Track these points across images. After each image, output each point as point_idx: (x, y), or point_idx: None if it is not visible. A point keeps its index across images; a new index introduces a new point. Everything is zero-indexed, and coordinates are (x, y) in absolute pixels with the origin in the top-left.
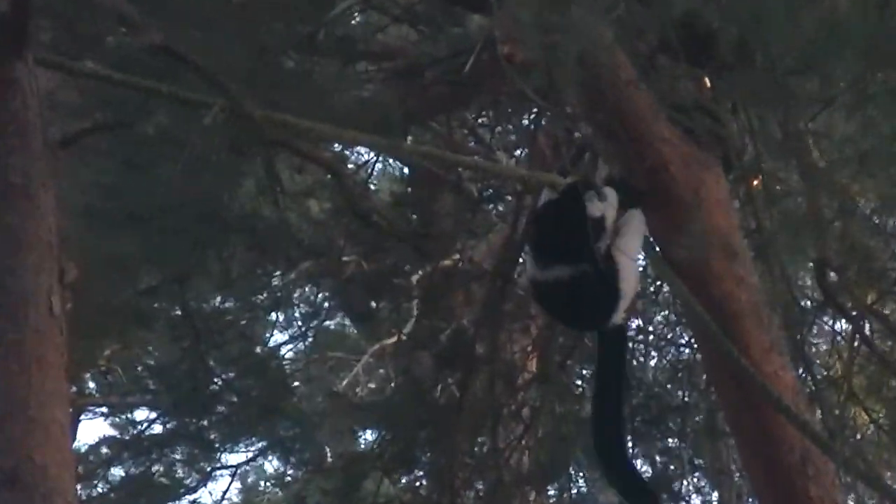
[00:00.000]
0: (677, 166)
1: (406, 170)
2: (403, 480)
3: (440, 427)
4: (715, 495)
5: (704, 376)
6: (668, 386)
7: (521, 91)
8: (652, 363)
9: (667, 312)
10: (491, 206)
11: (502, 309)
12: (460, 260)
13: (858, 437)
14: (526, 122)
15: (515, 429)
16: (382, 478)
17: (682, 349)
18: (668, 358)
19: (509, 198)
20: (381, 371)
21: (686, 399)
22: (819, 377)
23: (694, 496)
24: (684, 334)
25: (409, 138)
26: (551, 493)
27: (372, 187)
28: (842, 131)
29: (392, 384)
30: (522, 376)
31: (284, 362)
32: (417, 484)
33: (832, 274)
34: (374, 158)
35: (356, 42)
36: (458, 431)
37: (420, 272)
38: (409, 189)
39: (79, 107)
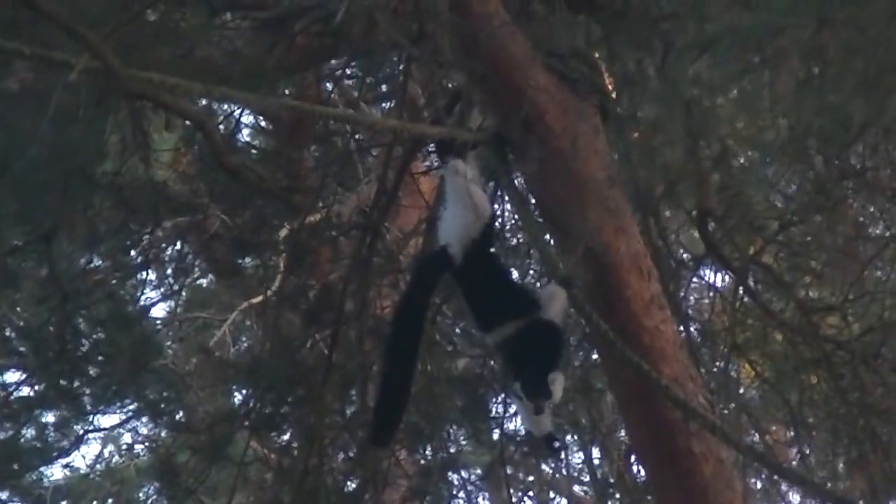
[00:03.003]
0: (553, 115)
1: (271, 124)
2: (273, 439)
3: (309, 385)
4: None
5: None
6: None
7: (392, 40)
8: None
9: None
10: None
11: (371, 264)
12: (328, 215)
13: (742, 391)
14: (396, 72)
15: None
16: (250, 437)
17: None
18: None
19: (376, 151)
20: (251, 329)
21: None
22: (696, 331)
23: (576, 454)
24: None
25: (285, 91)
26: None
27: (239, 141)
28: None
29: (262, 342)
30: None
31: (156, 321)
32: (287, 443)
33: (713, 225)
34: (241, 111)
35: None
36: (328, 390)
37: (287, 227)
38: (276, 143)
39: None
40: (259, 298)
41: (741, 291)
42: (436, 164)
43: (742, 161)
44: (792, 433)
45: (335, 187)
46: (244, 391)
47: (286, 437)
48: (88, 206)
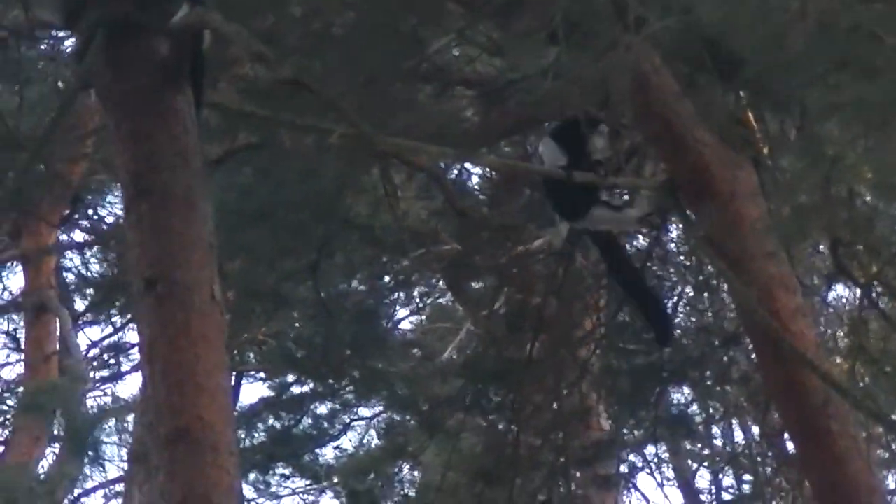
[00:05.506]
0: (716, 166)
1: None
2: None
3: (513, 376)
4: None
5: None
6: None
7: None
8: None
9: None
10: None
11: (565, 283)
12: (534, 245)
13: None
14: None
15: (572, 376)
16: (465, 416)
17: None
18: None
19: None
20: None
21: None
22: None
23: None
24: (705, 301)
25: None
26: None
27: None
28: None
29: (481, 345)
30: (589, 336)
31: (405, 333)
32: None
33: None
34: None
35: (453, 70)
36: (527, 379)
37: (504, 256)
38: (496, 188)
39: (225, 129)
40: (485, 312)
41: (865, 303)
42: None
43: (867, 199)
44: None
45: (539, 223)
46: (463, 382)
47: (493, 417)
48: (346, 244)
